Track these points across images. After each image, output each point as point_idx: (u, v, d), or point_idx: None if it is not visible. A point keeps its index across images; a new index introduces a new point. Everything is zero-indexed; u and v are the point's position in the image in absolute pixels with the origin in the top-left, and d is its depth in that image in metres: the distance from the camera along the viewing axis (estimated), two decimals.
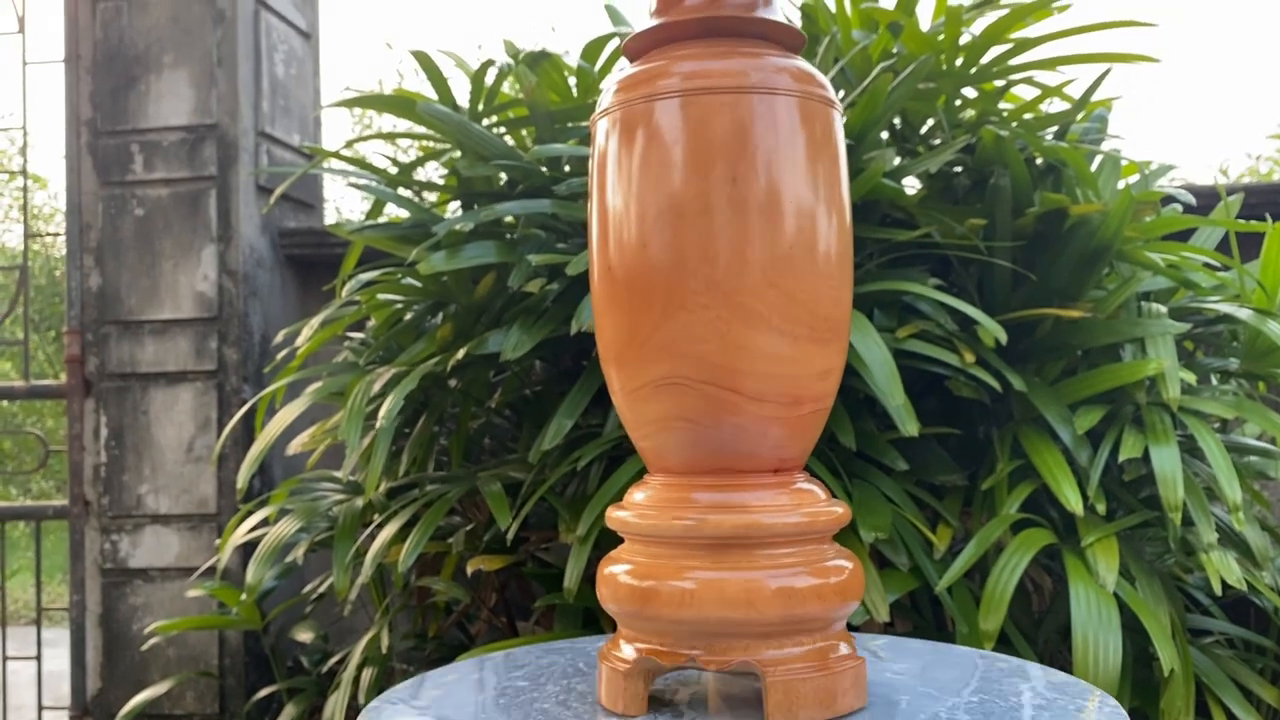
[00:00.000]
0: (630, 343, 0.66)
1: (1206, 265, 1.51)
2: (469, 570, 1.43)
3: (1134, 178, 1.58)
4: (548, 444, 1.32)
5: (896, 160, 1.51)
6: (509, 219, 1.50)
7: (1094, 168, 1.52)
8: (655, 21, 0.67)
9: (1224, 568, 1.23)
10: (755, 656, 0.63)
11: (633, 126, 0.65)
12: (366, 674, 1.55)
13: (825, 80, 0.66)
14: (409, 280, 1.56)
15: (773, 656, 0.63)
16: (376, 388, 1.43)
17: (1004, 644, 1.31)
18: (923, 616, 1.40)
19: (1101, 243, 1.37)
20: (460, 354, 1.41)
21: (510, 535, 1.35)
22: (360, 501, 1.55)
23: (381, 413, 1.37)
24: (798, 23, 1.57)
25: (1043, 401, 1.33)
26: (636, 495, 0.68)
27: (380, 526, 1.47)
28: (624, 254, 0.65)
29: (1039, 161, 1.49)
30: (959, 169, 1.51)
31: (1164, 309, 1.42)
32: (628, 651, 0.67)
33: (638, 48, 0.68)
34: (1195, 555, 1.31)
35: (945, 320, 1.37)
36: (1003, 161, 1.40)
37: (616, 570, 0.67)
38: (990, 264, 1.42)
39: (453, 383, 1.59)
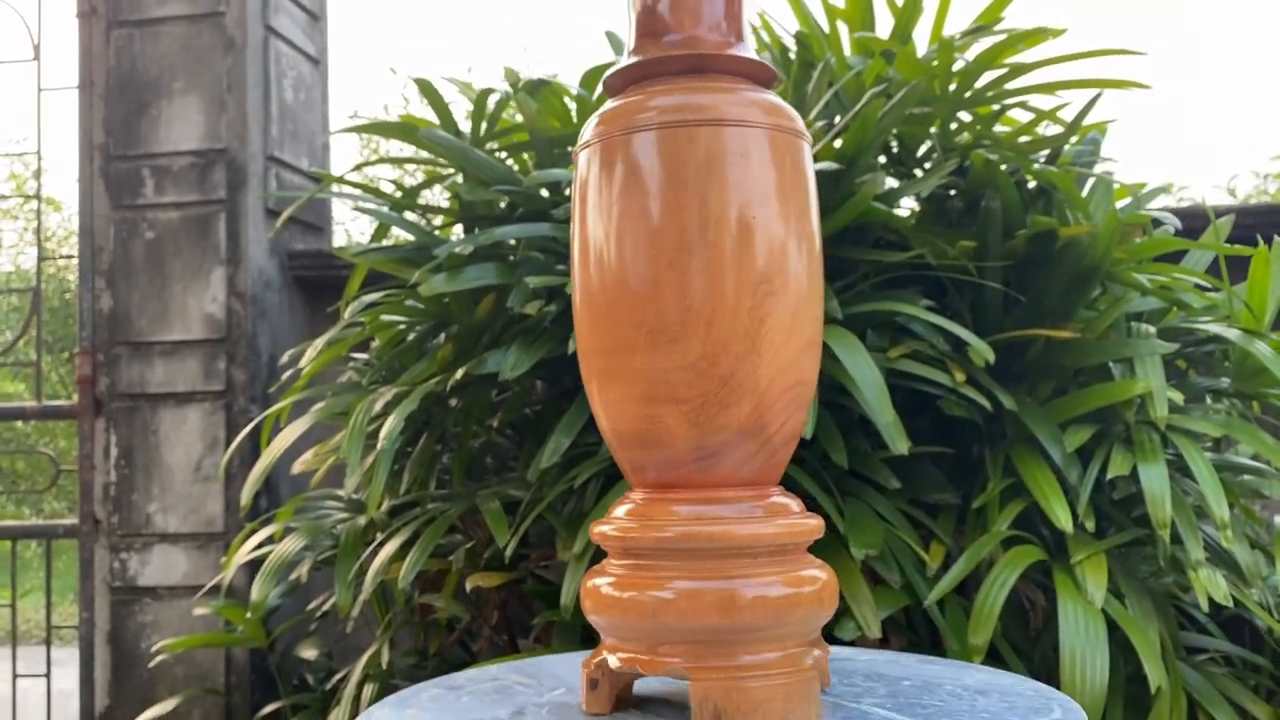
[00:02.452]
0: (610, 365, 0.68)
1: (1198, 286, 1.53)
2: (468, 587, 1.45)
3: (1127, 200, 1.60)
4: (545, 462, 1.34)
5: (890, 183, 1.53)
6: (509, 242, 1.53)
7: (1087, 190, 1.54)
8: (633, 59, 0.70)
9: (1211, 585, 1.24)
10: (732, 663, 0.65)
11: (611, 158, 0.68)
12: (368, 690, 1.57)
13: (795, 114, 0.69)
14: (411, 302, 1.59)
15: (749, 663, 0.65)
16: (378, 407, 1.46)
17: (996, 659, 1.33)
18: (917, 633, 1.41)
19: (1091, 264, 1.39)
20: (460, 374, 1.43)
21: (509, 553, 1.37)
22: (363, 519, 1.58)
23: (383, 433, 1.40)
24: (793, 49, 1.60)
25: (1034, 421, 1.35)
26: (618, 510, 0.71)
27: (382, 544, 1.49)
28: (604, 280, 0.68)
29: (1031, 185, 1.52)
30: (952, 192, 1.54)
31: (1153, 329, 1.44)
32: (610, 661, 0.69)
33: (617, 84, 0.71)
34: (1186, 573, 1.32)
35: (938, 341, 1.39)
36: (993, 185, 1.42)
37: (599, 582, 0.70)
38: (983, 285, 1.44)
39: (454, 402, 1.61)
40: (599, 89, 1.65)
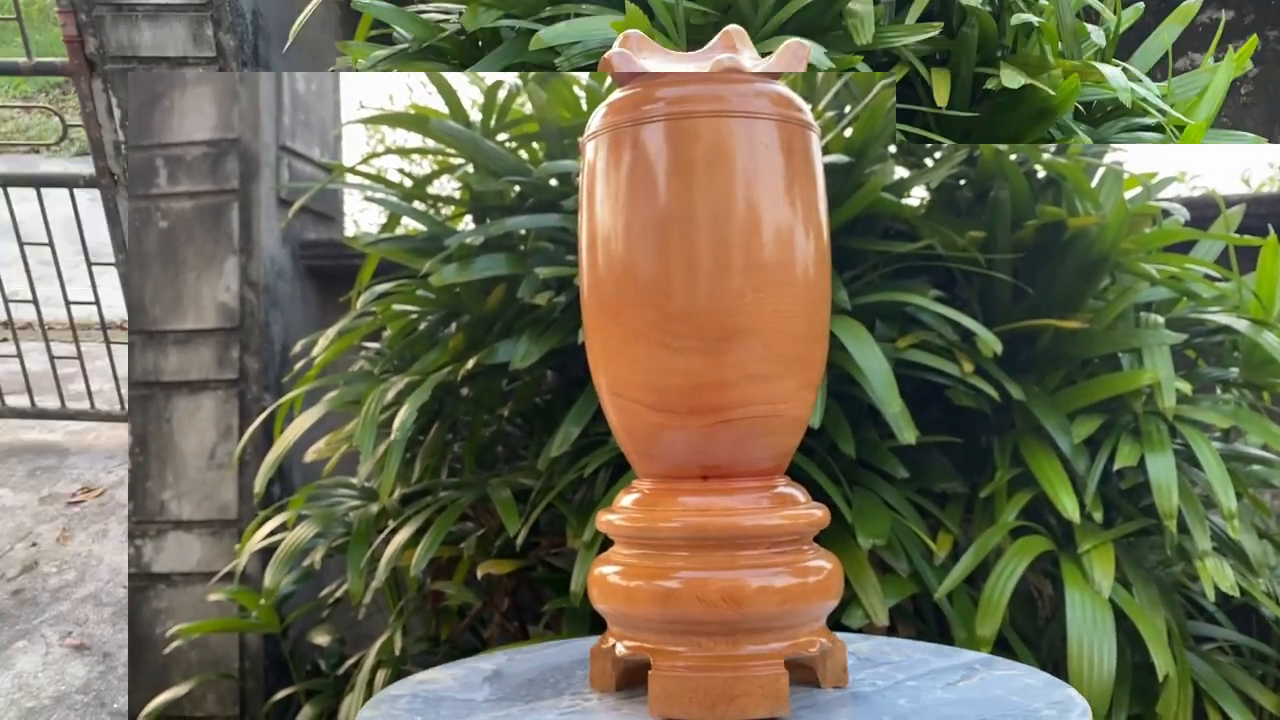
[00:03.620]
0: (618, 354, 0.69)
1: (1207, 276, 1.53)
2: (479, 574, 1.47)
3: (1137, 190, 1.60)
4: (555, 451, 1.35)
5: (900, 173, 1.53)
6: (520, 232, 1.54)
7: (1097, 181, 1.54)
8: None
9: (1219, 574, 1.25)
10: (737, 652, 0.66)
11: (619, 148, 0.68)
12: (380, 676, 1.58)
13: (803, 104, 0.69)
14: (423, 292, 1.60)
15: (753, 652, 0.66)
16: (390, 396, 1.47)
17: (1004, 649, 1.33)
18: (925, 622, 1.42)
19: (1099, 254, 1.39)
20: (471, 363, 1.44)
21: (520, 541, 1.38)
22: (375, 507, 1.59)
23: (396, 423, 1.41)
24: None
25: (1042, 411, 1.36)
26: (625, 500, 0.72)
27: (394, 532, 1.51)
28: (612, 269, 0.68)
29: (1040, 175, 1.52)
30: (962, 182, 1.54)
31: (1161, 320, 1.44)
32: (618, 649, 0.70)
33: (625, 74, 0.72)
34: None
35: (946, 331, 1.39)
36: (1003, 175, 1.42)
37: (606, 571, 0.70)
38: (992, 276, 1.44)
39: (465, 391, 1.62)
40: (608, 80, 1.66)
